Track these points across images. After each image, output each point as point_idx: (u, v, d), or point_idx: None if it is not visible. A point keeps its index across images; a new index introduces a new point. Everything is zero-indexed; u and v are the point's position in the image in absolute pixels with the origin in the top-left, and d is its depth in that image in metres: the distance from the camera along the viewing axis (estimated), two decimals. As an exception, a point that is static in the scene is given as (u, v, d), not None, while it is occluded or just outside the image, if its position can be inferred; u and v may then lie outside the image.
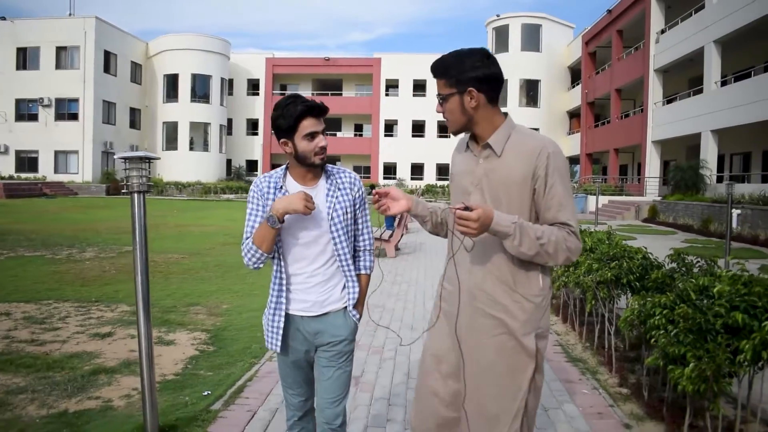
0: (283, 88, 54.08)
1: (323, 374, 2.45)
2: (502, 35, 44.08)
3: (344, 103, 52.02)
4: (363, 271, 2.56)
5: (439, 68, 2.16)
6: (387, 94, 50.63)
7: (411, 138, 50.44)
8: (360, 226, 2.54)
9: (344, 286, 2.48)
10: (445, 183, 47.20)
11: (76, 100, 40.43)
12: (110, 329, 5.96)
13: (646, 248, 5.09)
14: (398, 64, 50.23)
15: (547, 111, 44.02)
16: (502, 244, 2.08)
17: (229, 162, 50.91)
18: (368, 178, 50.78)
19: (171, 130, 46.46)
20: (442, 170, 50.55)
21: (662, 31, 28.50)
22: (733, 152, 26.92)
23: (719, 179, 24.61)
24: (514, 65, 42.70)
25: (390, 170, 51.29)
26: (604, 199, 28.88)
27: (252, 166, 52.28)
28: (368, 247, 2.57)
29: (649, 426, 3.72)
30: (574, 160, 43.92)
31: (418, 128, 51.04)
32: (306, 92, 53.23)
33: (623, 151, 36.26)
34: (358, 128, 53.84)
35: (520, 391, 2.13)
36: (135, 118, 45.97)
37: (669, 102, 28.98)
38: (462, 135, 2.32)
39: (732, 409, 3.61)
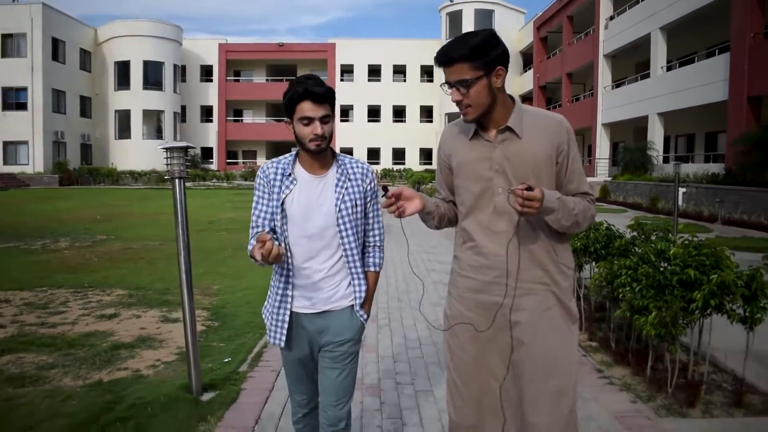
0: (237, 74, 53.73)
1: (327, 376, 2.34)
2: (455, 20, 44.84)
3: (299, 89, 52.04)
4: (372, 269, 2.42)
5: (461, 52, 2.04)
6: (342, 80, 50.81)
7: (366, 123, 50.79)
8: (370, 221, 2.40)
9: (350, 284, 2.35)
10: (401, 167, 47.68)
11: (24, 89, 39.47)
12: (113, 311, 6.30)
13: (606, 221, 5.73)
14: (353, 50, 50.46)
15: (501, 95, 44.99)
16: (539, 222, 2.11)
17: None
18: (325, 163, 51.03)
19: (123, 118, 45.75)
20: (397, 154, 51.16)
21: (611, 18, 29.59)
22: (678, 134, 28.25)
23: (665, 160, 25.88)
24: (467, 51, 43.57)
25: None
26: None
27: (207, 153, 51.90)
28: (378, 243, 2.44)
29: (617, 370, 4.35)
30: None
31: (374, 113, 51.48)
32: (260, 78, 53.04)
33: (575, 134, 37.39)
34: (314, 114, 53.90)
35: (574, 359, 2.19)
36: (86, 107, 45.07)
37: (618, 86, 30.14)
38: (455, 123, 2.30)
39: (686, 356, 4.26)
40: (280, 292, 2.32)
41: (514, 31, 45.26)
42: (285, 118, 2.27)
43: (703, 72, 21.05)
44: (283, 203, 2.26)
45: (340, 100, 50.39)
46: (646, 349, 4.37)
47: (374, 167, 49.66)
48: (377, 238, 2.42)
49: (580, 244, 5.31)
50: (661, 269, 3.88)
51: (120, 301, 6.76)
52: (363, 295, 2.37)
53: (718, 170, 19.10)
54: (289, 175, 2.28)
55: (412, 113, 50.66)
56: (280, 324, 2.33)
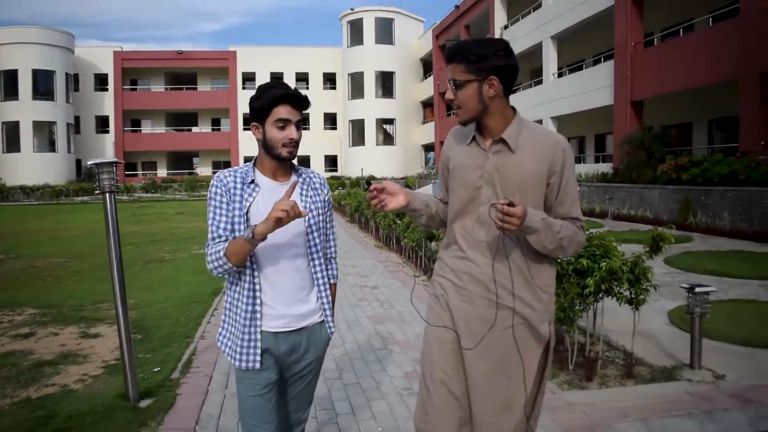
0: (134, 83, 51.95)
1: (292, 388, 2.32)
2: (356, 29, 45.51)
3: (200, 98, 51.09)
4: (332, 281, 2.40)
5: (460, 52, 2.06)
6: (244, 88, 50.25)
7: (323, 131, 50.38)
8: (327, 232, 2.39)
9: (317, 297, 2.30)
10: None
11: None
12: (28, 330, 6.16)
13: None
14: (254, 57, 50.01)
15: (402, 101, 46.05)
16: (518, 239, 2.09)
17: (78, 162, 48.17)
18: (230, 173, 50.17)
19: (12, 130, 43.29)
20: (302, 161, 51.08)
21: (506, 27, 31.01)
22: (570, 136, 29.95)
23: (559, 160, 27.40)
24: (370, 58, 44.43)
25: (252, 164, 51.00)
26: (460, 184, 30.90)
27: (105, 165, 49.70)
28: (334, 255, 2.44)
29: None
30: (429, 148, 46.33)
31: (332, 121, 51.20)
32: (159, 87, 51.59)
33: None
34: (216, 123, 52.98)
35: (531, 378, 2.18)
36: (-31, 119, 42.24)
37: (513, 92, 31.62)
38: (458, 127, 2.28)
39: (582, 337, 4.76)
40: (249, 309, 2.15)
41: (414, 39, 46.46)
42: (253, 122, 2.20)
43: (590, 78, 22.54)
44: (247, 212, 2.16)
45: (243, 109, 50.07)
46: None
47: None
48: (332, 250, 2.42)
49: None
50: (558, 260, 4.36)
51: (33, 320, 6.60)
52: (330, 307, 2.34)
53: (607, 170, 20.52)
54: (251, 182, 2.19)
55: (316, 120, 50.74)
56: (252, 344, 2.15)
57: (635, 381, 4.16)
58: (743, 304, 6.27)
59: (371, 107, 45.41)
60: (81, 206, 31.30)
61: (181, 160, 52.98)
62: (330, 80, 50.85)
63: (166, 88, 51.64)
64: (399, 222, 10.58)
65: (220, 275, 2.15)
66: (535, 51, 27.71)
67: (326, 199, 2.35)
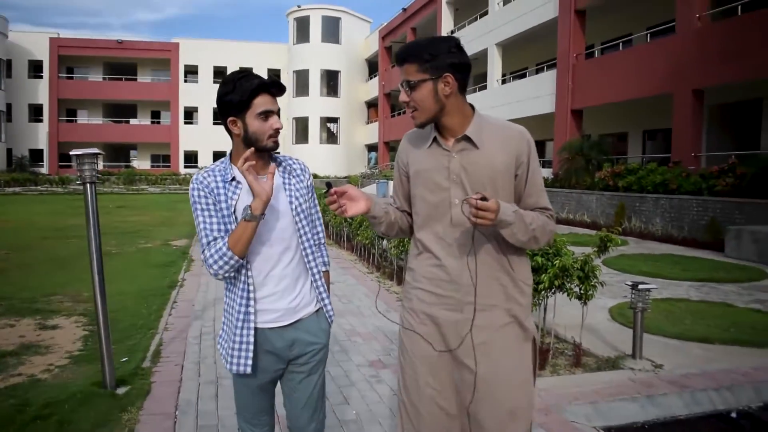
0: (70, 71, 50.20)
1: (302, 390, 2.23)
2: (303, 26, 45.42)
3: (139, 89, 49.89)
4: (324, 267, 2.34)
5: (411, 52, 2.03)
6: (186, 81, 49.35)
7: (212, 125, 49.41)
8: (313, 218, 2.31)
9: (312, 285, 2.25)
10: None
11: None
12: (-18, 321, 6.09)
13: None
14: (197, 50, 49.16)
15: (347, 101, 46.25)
16: (495, 235, 2.05)
17: (9, 151, 46.27)
18: (168, 167, 49.21)
19: (-64, 116, 41.12)
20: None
21: (452, 32, 31.62)
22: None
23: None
24: (316, 56, 44.51)
25: (191, 158, 50.16)
26: (404, 184, 31.34)
27: (36, 155, 47.95)
28: (323, 241, 2.36)
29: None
30: (372, 148, 46.68)
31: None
32: (96, 77, 50.13)
33: (419, 140, 39.36)
34: (156, 115, 51.78)
35: (529, 380, 2.13)
36: None
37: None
38: (415, 131, 2.22)
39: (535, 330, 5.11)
40: (242, 310, 2.11)
41: (361, 39, 46.73)
42: (230, 117, 2.09)
43: (533, 86, 23.31)
44: (234, 210, 2.09)
45: (184, 102, 49.20)
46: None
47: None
48: (321, 236, 2.34)
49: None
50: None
51: (-14, 312, 6.50)
52: (327, 294, 2.30)
53: (547, 175, 21.29)
54: (232, 179, 2.11)
55: (260, 117, 50.24)
56: (244, 347, 2.11)
57: (583, 369, 4.52)
58: (677, 302, 6.79)
59: (316, 105, 45.39)
60: (14, 197, 30.12)
61: (119, 153, 51.52)
62: (275, 76, 50.27)
63: (104, 78, 50.15)
64: (351, 220, 10.79)
65: (225, 275, 2.07)
66: (480, 57, 28.37)
67: (309, 184, 2.29)
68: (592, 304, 4.77)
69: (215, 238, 2.06)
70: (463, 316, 2.06)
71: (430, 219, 2.13)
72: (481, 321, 2.05)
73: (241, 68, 2.10)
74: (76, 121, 50.04)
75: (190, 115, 50.11)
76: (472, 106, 2.13)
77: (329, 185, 2.02)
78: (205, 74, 49.60)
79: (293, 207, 2.18)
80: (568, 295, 4.55)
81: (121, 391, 3.95)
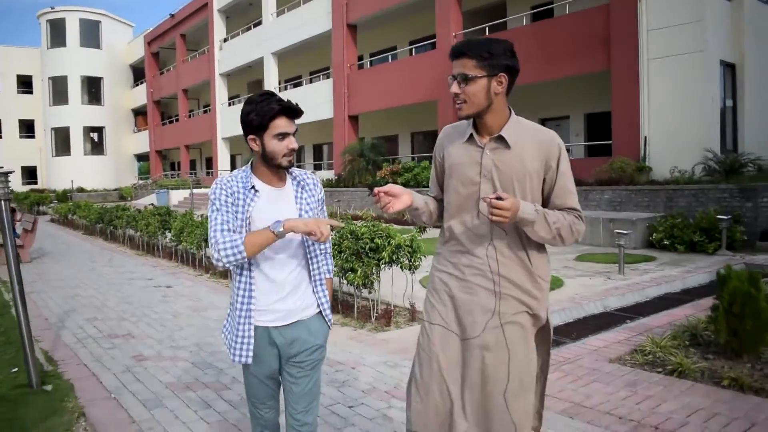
0: None
1: (298, 385, 2.40)
2: (58, 29, 42.07)
3: None
4: (327, 275, 2.51)
5: (471, 47, 2.15)
6: None
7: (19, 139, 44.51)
8: None
9: (314, 291, 2.42)
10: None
11: None
12: None
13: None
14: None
15: (112, 109, 43.90)
16: (518, 231, 2.19)
17: None
18: None
19: None
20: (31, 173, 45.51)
21: (225, 40, 32.03)
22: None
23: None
24: (75, 61, 41.68)
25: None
26: (185, 192, 30.90)
27: None
28: (328, 251, 2.53)
29: (338, 317, 6.25)
30: (143, 157, 44.80)
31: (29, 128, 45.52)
32: None
33: (192, 148, 38.78)
34: None
35: (534, 366, 2.29)
36: None
37: (236, 102, 32.66)
38: (453, 126, 2.40)
39: (377, 297, 6.40)
40: (244, 308, 2.32)
41: (123, 44, 44.58)
42: (251, 135, 2.28)
43: (312, 94, 24.86)
44: (249, 216, 2.29)
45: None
46: (352, 298, 6.43)
47: None
48: (327, 245, 2.51)
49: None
50: (358, 241, 5.94)
51: None
52: (327, 300, 2.46)
53: (331, 176, 23.02)
54: (252, 188, 2.30)
55: (10, 128, 45.31)
56: (246, 341, 2.32)
57: (418, 322, 5.92)
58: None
59: (77, 114, 42.27)
60: None
61: None
62: (25, 83, 45.69)
63: None
64: (168, 232, 11.29)
65: (227, 265, 2.21)
66: (255, 65, 29.27)
67: (320, 198, 2.48)
68: (412, 276, 6.21)
69: (230, 230, 2.23)
70: (479, 300, 2.23)
71: (460, 209, 2.31)
72: (497, 307, 2.22)
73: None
74: None
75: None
76: (510, 109, 2.27)
77: (370, 187, 2.38)
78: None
79: (302, 218, 2.33)
80: (401, 267, 5.92)
81: (48, 387, 4.40)
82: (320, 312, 2.44)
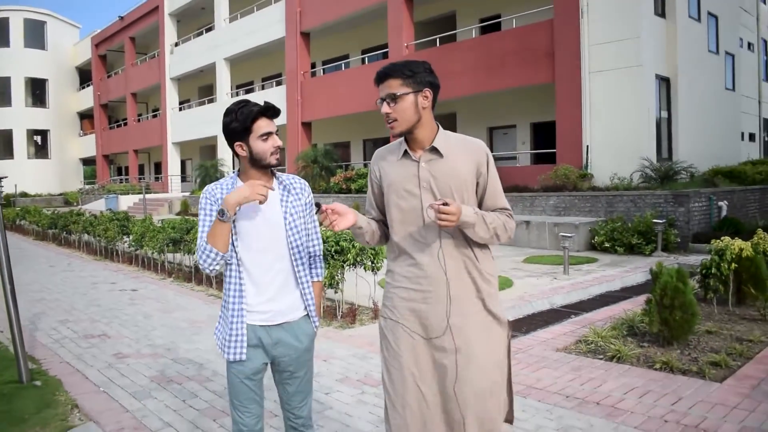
0: None
1: (290, 386, 2.50)
2: (1, 28, 40.77)
3: None
4: (316, 278, 2.56)
5: (394, 69, 2.29)
6: None
7: None
8: (310, 232, 2.54)
9: (301, 294, 2.49)
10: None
11: None
12: None
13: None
14: None
15: (57, 111, 42.77)
16: (462, 233, 2.29)
17: None
18: None
19: None
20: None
21: (176, 44, 31.82)
22: (242, 150, 32.18)
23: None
24: (18, 62, 40.57)
25: None
26: (134, 198, 30.43)
27: None
28: (318, 253, 2.58)
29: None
30: (90, 161, 43.86)
31: None
32: None
33: (141, 152, 38.14)
34: None
35: (504, 361, 2.38)
36: None
37: (187, 107, 32.43)
38: (384, 147, 2.50)
39: (342, 297, 6.80)
40: (236, 307, 2.39)
41: (69, 45, 43.58)
42: (236, 142, 2.37)
43: (265, 100, 24.94)
44: (234, 220, 2.35)
45: None
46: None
47: None
48: (317, 248, 2.57)
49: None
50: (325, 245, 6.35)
51: None
52: (314, 303, 2.52)
53: (285, 181, 23.21)
54: None
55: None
56: (239, 339, 2.38)
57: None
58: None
59: (21, 116, 41.05)
60: None
61: None
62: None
63: None
64: (127, 237, 11.41)
65: (212, 268, 2.33)
66: (207, 69, 29.19)
67: (308, 201, 2.54)
68: (375, 277, 6.65)
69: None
70: (441, 306, 2.31)
71: (404, 223, 2.38)
72: (455, 309, 2.30)
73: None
74: None
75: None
76: (438, 124, 2.40)
77: (318, 205, 2.32)
78: None
79: (287, 222, 2.44)
80: (364, 268, 6.35)
81: (37, 383, 4.64)
82: (307, 315, 2.51)
